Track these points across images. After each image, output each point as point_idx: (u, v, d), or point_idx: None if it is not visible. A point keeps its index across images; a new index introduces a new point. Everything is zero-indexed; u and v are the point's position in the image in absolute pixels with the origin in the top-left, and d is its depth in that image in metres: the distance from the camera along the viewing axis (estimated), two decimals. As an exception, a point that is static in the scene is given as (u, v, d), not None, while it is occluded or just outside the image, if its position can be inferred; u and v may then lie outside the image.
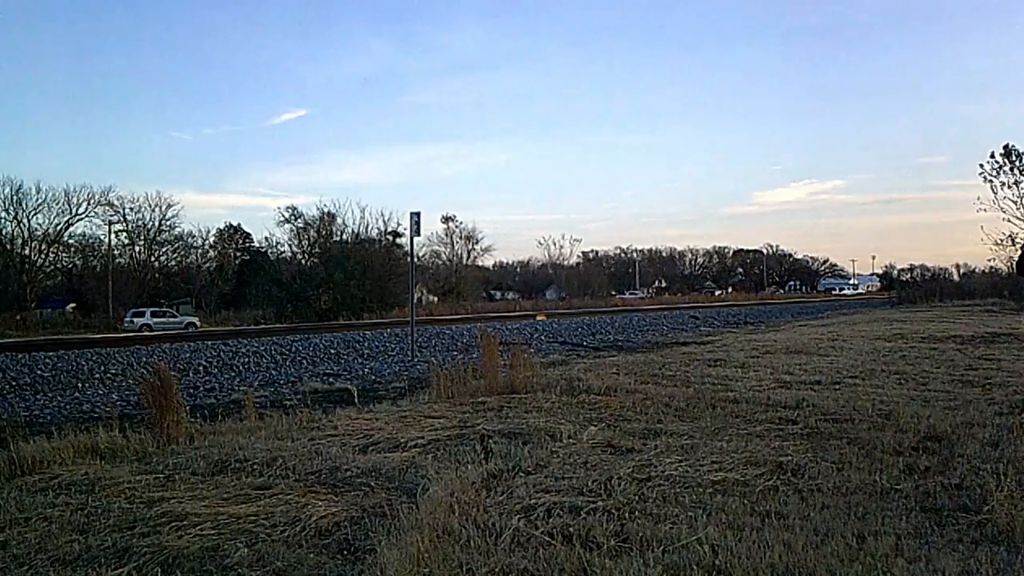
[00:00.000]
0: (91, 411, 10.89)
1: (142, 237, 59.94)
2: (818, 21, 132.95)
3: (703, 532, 4.26)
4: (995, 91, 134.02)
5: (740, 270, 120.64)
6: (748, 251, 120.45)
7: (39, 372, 15.39)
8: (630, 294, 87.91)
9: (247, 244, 67.83)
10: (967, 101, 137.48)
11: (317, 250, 49.08)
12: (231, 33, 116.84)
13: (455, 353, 18.55)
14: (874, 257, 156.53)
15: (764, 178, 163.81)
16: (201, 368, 16.96)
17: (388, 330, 26.51)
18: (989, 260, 60.05)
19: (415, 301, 29.86)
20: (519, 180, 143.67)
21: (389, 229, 47.44)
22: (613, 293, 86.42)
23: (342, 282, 41.43)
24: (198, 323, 43.57)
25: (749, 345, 17.06)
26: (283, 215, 54.61)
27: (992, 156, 45.04)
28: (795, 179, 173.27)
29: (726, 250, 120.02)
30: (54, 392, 13.65)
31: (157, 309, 47.00)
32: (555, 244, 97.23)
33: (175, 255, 63.72)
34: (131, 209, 58.75)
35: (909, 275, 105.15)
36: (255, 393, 10.84)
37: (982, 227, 63.08)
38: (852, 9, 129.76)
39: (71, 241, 58.27)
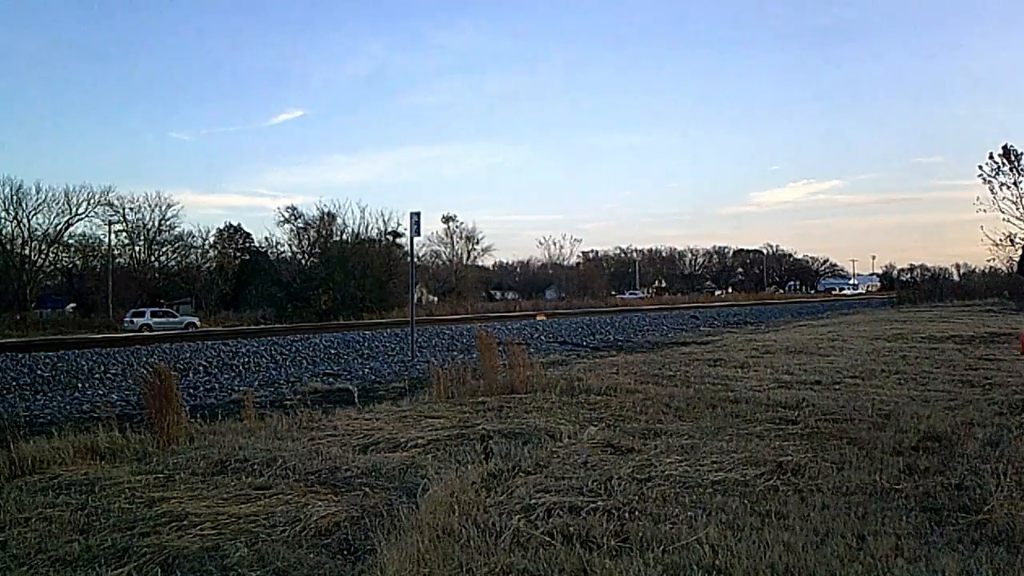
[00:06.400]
0: (91, 411, 10.87)
1: (142, 237, 59.85)
2: (817, 22, 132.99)
3: (703, 532, 4.26)
4: (995, 91, 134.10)
5: (740, 270, 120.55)
6: (748, 251, 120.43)
7: (39, 372, 15.39)
8: (630, 294, 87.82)
9: (247, 244, 67.69)
10: (967, 101, 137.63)
11: (317, 250, 49.09)
12: (230, 33, 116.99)
13: (455, 353, 18.55)
14: (874, 257, 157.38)
15: (763, 178, 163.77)
16: (201, 368, 16.96)
17: (388, 330, 26.51)
18: (989, 260, 59.94)
19: (415, 301, 29.83)
20: (519, 180, 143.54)
21: (389, 229, 47.55)
22: (613, 293, 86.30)
23: (342, 282, 41.46)
24: (198, 323, 43.52)
25: (749, 345, 17.06)
26: (283, 215, 54.73)
27: (991, 157, 45.02)
28: (794, 179, 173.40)
29: (726, 250, 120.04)
30: (54, 392, 13.65)
31: (157, 309, 46.92)
32: (555, 244, 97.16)
33: (175, 255, 63.58)
34: (131, 209, 58.70)
35: (909, 275, 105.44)
36: (255, 393, 10.83)
37: (982, 227, 62.82)
38: (852, 10, 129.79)
39: (71, 241, 58.18)
